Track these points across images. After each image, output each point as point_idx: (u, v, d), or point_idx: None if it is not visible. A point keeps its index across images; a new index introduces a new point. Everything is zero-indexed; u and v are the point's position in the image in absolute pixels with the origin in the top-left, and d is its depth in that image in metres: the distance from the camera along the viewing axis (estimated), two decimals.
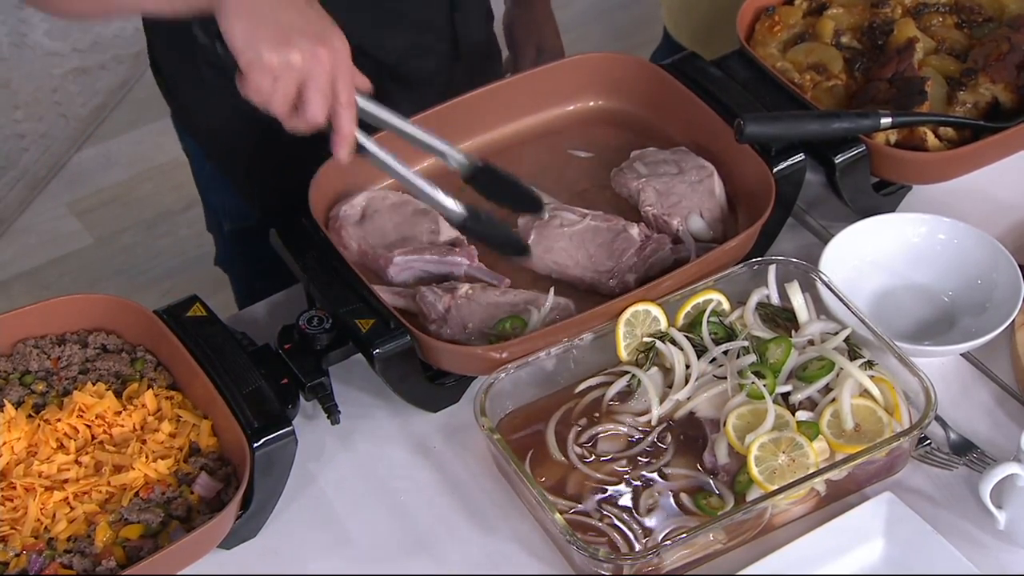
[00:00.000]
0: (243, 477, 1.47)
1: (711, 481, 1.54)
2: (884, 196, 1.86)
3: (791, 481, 1.50)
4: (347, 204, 1.76)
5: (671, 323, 1.65)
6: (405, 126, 1.55)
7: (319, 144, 1.69)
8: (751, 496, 1.51)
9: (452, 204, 1.55)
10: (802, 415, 1.56)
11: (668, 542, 1.47)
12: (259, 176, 1.96)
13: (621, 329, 1.62)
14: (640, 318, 1.63)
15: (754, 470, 1.50)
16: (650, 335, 1.63)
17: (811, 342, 1.64)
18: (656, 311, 1.63)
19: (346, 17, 1.80)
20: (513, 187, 1.61)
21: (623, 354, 1.63)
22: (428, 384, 1.66)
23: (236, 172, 2.02)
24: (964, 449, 1.61)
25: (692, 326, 1.65)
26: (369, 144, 1.49)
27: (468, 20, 1.96)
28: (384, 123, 1.53)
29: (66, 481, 1.50)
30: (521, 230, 1.76)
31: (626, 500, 1.54)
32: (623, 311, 1.62)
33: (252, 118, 1.91)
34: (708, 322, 1.64)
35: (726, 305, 1.67)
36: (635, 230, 1.73)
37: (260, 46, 1.37)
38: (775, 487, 1.49)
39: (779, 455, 1.52)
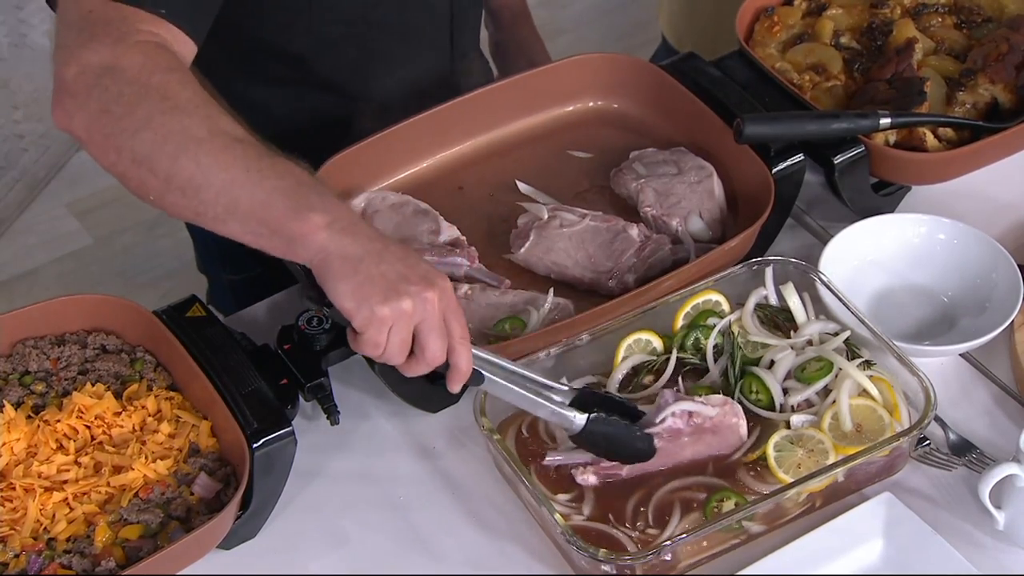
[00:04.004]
0: (242, 477, 1.47)
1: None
2: (883, 196, 1.86)
3: (789, 482, 1.50)
4: (346, 205, 1.76)
5: (672, 329, 1.66)
6: (511, 367, 1.54)
7: None
8: None
9: (573, 415, 1.52)
10: (801, 417, 1.57)
11: (668, 542, 1.47)
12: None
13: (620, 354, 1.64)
14: (641, 346, 1.64)
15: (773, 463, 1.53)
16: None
17: (810, 342, 1.64)
18: (656, 341, 1.64)
19: (351, 31, 1.82)
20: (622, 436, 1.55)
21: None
22: (427, 384, 1.65)
23: None
24: (963, 449, 1.61)
25: (691, 328, 1.65)
26: (486, 373, 1.49)
27: (463, 42, 1.97)
28: (488, 364, 1.52)
29: (65, 482, 1.50)
30: (520, 230, 1.76)
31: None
32: (622, 341, 1.63)
33: None
34: (703, 327, 1.65)
35: (725, 306, 1.67)
36: (634, 230, 1.73)
37: (371, 302, 1.38)
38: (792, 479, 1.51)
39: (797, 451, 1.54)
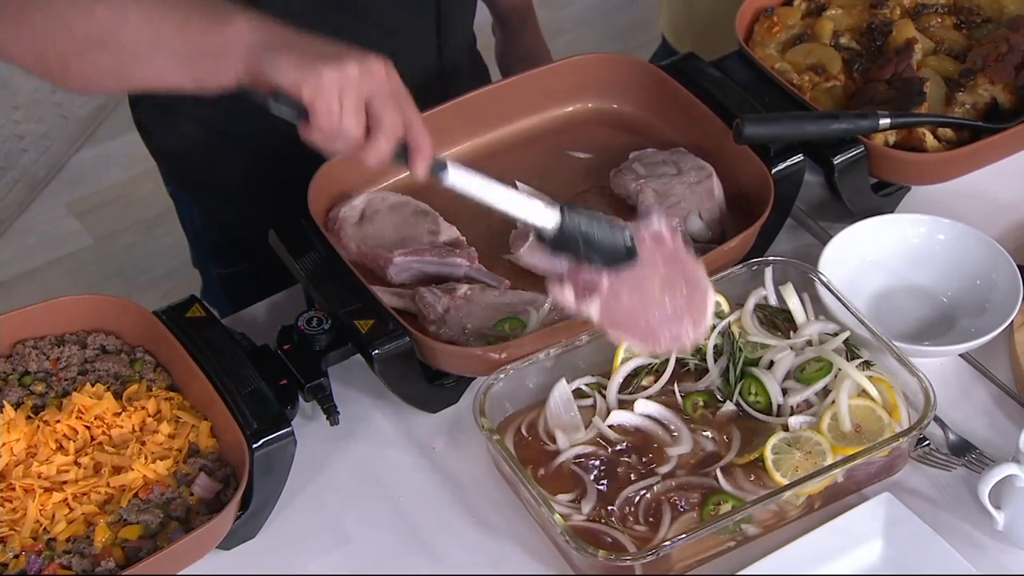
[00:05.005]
0: (242, 478, 1.47)
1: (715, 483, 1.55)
2: (883, 197, 1.86)
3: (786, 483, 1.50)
4: (346, 205, 1.77)
5: None
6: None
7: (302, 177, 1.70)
8: None
9: (547, 208, 1.44)
10: (799, 419, 1.57)
11: (668, 543, 1.47)
12: (243, 204, 1.98)
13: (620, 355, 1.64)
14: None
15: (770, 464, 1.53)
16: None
17: (809, 343, 1.64)
18: None
19: (328, 19, 1.81)
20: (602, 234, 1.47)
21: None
22: (427, 385, 1.66)
23: (219, 201, 2.03)
24: (963, 450, 1.61)
25: None
26: (448, 160, 1.44)
27: (452, 41, 1.96)
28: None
29: (65, 482, 1.50)
30: (520, 230, 1.76)
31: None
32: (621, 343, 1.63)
33: (235, 155, 1.92)
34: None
35: (725, 306, 1.67)
36: None
37: (316, 67, 1.35)
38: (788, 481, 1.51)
39: (795, 453, 1.54)
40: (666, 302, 1.49)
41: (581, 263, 1.46)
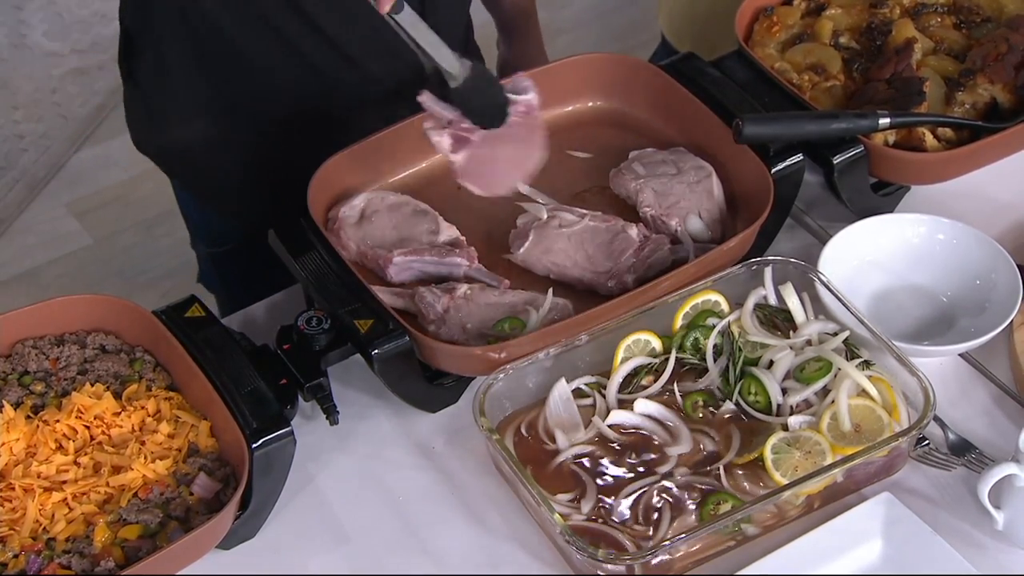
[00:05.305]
0: (242, 477, 1.47)
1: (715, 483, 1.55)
2: (883, 196, 1.86)
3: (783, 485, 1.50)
4: (346, 205, 1.77)
5: (671, 330, 1.66)
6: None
7: (298, 160, 1.71)
8: None
9: (464, 60, 1.61)
10: (799, 418, 1.57)
11: (667, 543, 1.47)
12: (243, 202, 1.97)
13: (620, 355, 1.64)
14: (640, 346, 1.64)
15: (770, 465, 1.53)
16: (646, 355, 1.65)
17: (809, 343, 1.64)
18: (655, 342, 1.64)
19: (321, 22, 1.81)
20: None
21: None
22: (427, 385, 1.66)
23: (220, 200, 2.03)
24: (962, 449, 1.61)
25: (690, 328, 1.65)
26: (407, 5, 1.55)
27: (437, 18, 1.96)
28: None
29: (65, 482, 1.50)
30: (519, 230, 1.77)
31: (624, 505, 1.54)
32: (621, 342, 1.63)
33: (231, 140, 1.92)
34: (703, 327, 1.65)
35: (725, 306, 1.67)
36: (634, 231, 1.73)
37: None
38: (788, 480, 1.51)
39: (795, 453, 1.54)
40: (509, 158, 1.68)
41: (464, 116, 1.64)
